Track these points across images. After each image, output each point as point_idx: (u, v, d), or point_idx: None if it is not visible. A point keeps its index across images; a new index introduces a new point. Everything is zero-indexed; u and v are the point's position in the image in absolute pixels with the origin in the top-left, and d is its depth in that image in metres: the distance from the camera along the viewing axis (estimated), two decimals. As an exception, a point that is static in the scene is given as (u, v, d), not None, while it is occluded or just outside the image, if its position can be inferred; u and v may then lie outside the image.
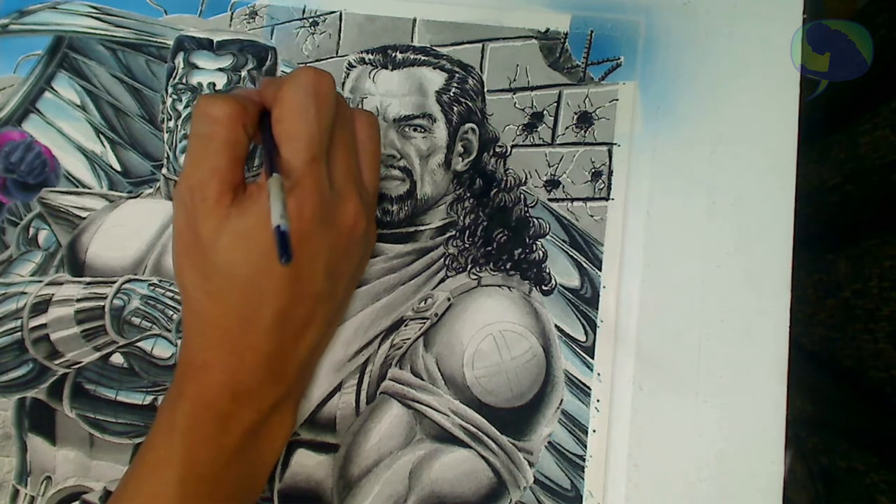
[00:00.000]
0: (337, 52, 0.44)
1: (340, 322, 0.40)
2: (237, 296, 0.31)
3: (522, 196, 0.41)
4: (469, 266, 0.40)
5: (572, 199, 0.41)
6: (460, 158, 0.42)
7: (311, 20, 0.44)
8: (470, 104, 0.42)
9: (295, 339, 0.33)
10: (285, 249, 0.28)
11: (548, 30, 0.43)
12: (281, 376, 0.34)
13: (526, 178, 0.41)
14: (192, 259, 0.32)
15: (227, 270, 0.31)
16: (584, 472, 0.38)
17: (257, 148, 0.42)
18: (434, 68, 0.43)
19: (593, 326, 0.39)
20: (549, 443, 0.38)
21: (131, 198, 0.43)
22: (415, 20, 0.44)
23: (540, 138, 0.42)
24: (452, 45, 0.43)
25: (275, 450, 0.35)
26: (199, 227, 0.31)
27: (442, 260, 0.41)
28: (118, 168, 0.43)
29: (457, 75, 0.42)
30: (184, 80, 0.43)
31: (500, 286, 0.40)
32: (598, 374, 0.39)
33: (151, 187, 0.43)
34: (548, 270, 0.40)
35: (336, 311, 0.37)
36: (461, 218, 0.41)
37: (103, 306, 0.41)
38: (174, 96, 0.43)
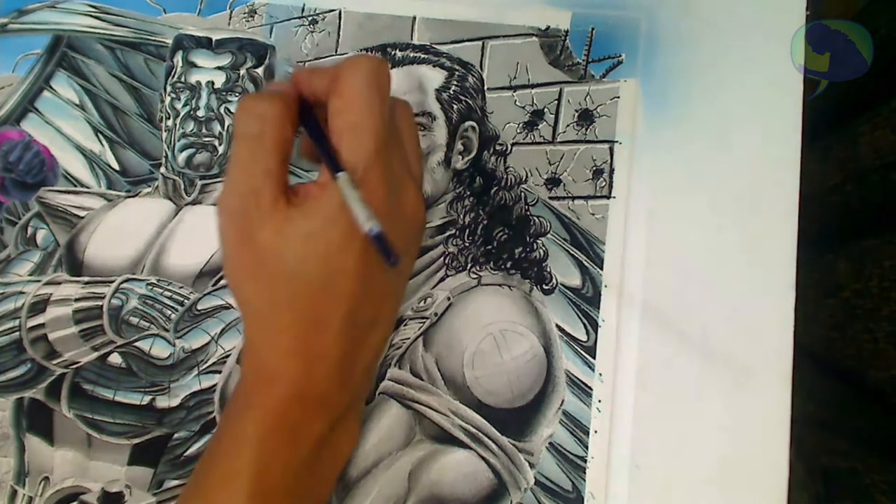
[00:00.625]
0: (336, 51, 0.44)
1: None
2: (307, 300, 0.30)
3: (523, 194, 0.41)
4: (469, 265, 0.40)
5: (573, 198, 0.41)
6: (460, 157, 0.42)
7: (310, 18, 0.44)
8: (470, 102, 0.42)
9: (362, 341, 0.33)
10: (387, 251, 0.27)
11: (548, 27, 0.43)
12: (349, 381, 0.33)
13: (526, 177, 0.41)
14: (253, 270, 0.31)
15: (296, 275, 0.30)
16: (585, 473, 0.38)
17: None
18: (434, 66, 0.42)
19: (595, 326, 0.39)
20: (550, 443, 0.38)
21: (130, 197, 0.43)
22: (414, 18, 0.44)
23: (541, 136, 0.42)
24: (452, 42, 0.43)
25: (342, 458, 0.35)
26: (257, 236, 0.30)
27: (442, 259, 0.40)
28: (117, 167, 0.43)
29: (457, 73, 0.42)
30: (182, 79, 0.43)
31: (500, 285, 0.40)
32: (600, 375, 0.39)
33: (150, 186, 0.43)
34: (549, 269, 0.40)
35: (398, 307, 0.36)
36: (461, 216, 0.41)
37: (101, 306, 0.41)
38: (173, 95, 0.43)
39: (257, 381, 0.32)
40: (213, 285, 0.41)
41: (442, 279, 0.40)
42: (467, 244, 0.41)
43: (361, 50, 0.43)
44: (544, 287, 0.40)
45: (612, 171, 0.41)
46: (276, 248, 0.30)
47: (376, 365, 0.38)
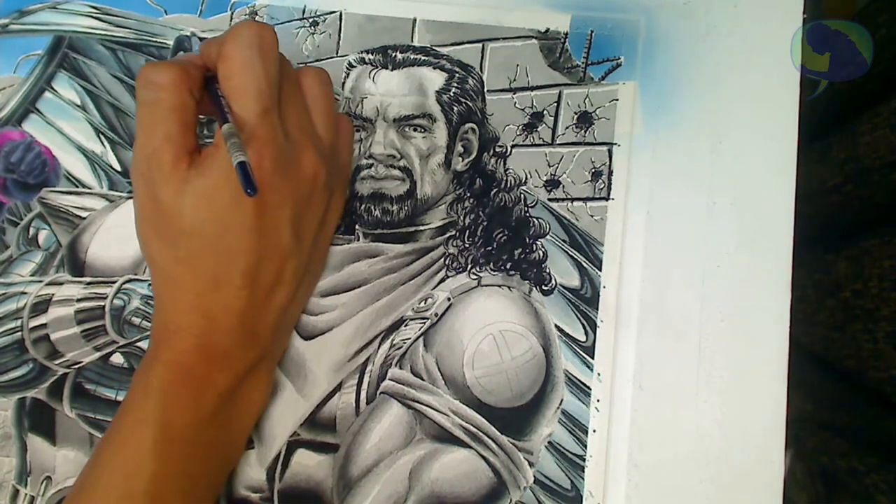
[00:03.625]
0: (337, 52, 0.44)
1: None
2: (206, 257, 0.32)
3: (522, 196, 0.41)
4: (469, 266, 0.40)
5: (572, 199, 0.41)
6: (460, 158, 0.42)
7: (311, 20, 0.44)
8: (470, 104, 0.42)
9: (265, 298, 0.34)
10: (249, 181, 0.28)
11: (548, 30, 0.43)
12: (254, 338, 0.34)
13: (526, 178, 0.41)
14: (157, 228, 0.32)
15: (193, 233, 0.31)
16: (584, 472, 0.38)
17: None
18: (434, 68, 0.43)
19: (593, 326, 0.39)
20: (550, 443, 0.38)
21: (131, 197, 0.43)
22: (415, 20, 0.44)
23: (540, 138, 0.42)
24: (452, 45, 0.43)
25: (252, 414, 0.36)
26: (159, 195, 0.31)
27: (442, 260, 0.41)
28: (118, 168, 0.43)
29: (457, 75, 0.42)
30: (184, 80, 0.43)
31: (500, 286, 0.40)
32: (598, 374, 0.39)
33: (151, 187, 0.43)
34: (548, 270, 0.40)
35: (304, 270, 0.36)
36: (461, 218, 0.41)
37: (103, 306, 0.41)
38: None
39: (163, 334, 0.33)
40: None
41: (442, 280, 0.40)
42: (467, 245, 0.41)
43: (362, 52, 0.43)
44: (543, 288, 0.40)
45: (610, 173, 0.41)
46: (176, 208, 0.31)
47: (288, 325, 0.39)
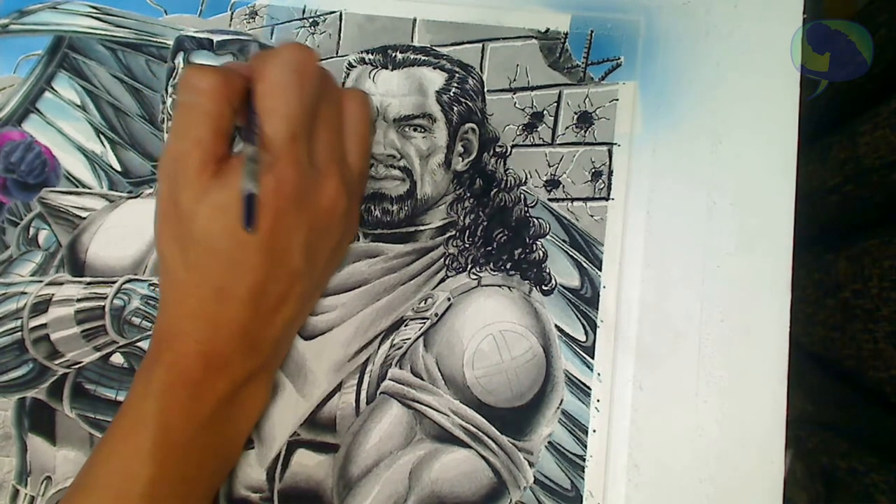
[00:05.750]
0: (337, 52, 0.44)
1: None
2: (214, 267, 0.32)
3: (522, 196, 0.41)
4: (469, 266, 0.40)
5: (572, 199, 0.41)
6: (460, 158, 0.42)
7: (311, 20, 0.44)
8: (470, 104, 0.42)
9: (270, 314, 0.34)
10: (250, 216, 0.28)
11: (548, 30, 0.43)
12: (256, 348, 0.34)
13: (526, 178, 0.41)
14: (172, 229, 0.32)
15: (204, 242, 0.31)
16: (584, 472, 0.38)
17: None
18: (434, 68, 0.43)
19: (593, 326, 0.39)
20: (550, 443, 0.38)
21: (131, 198, 0.43)
22: (415, 20, 0.44)
23: (540, 138, 0.42)
24: (452, 45, 0.43)
25: (249, 420, 0.36)
26: (179, 198, 0.31)
27: (442, 260, 0.41)
28: (118, 168, 0.43)
29: (457, 75, 0.42)
30: (184, 80, 0.43)
31: (500, 286, 0.40)
32: (598, 374, 0.39)
33: (151, 187, 0.43)
34: (548, 270, 0.40)
35: (313, 290, 0.37)
36: (461, 218, 0.41)
37: (104, 306, 0.41)
38: (174, 96, 0.43)
39: (165, 336, 0.33)
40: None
41: (442, 280, 0.40)
42: (467, 245, 0.41)
43: (362, 52, 0.43)
44: (543, 288, 0.40)
45: (610, 173, 0.41)
46: (192, 214, 0.31)
47: (290, 338, 0.39)
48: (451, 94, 0.42)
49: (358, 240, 0.41)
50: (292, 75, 0.32)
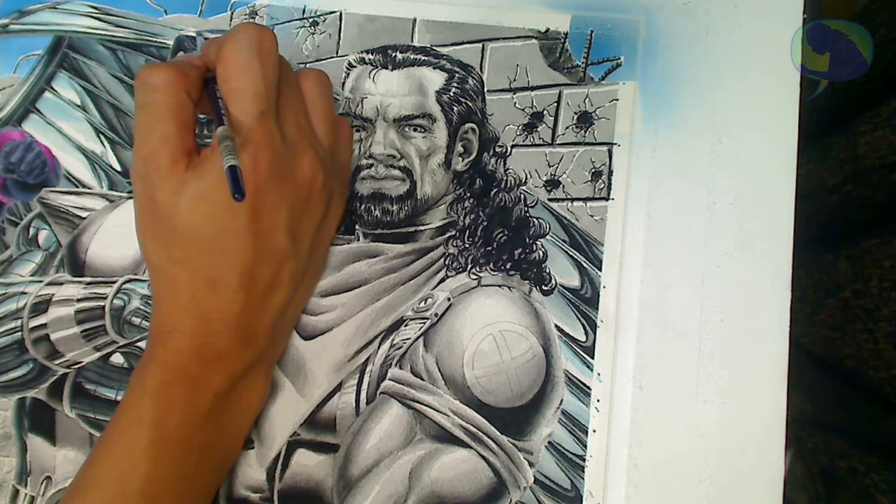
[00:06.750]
0: (337, 52, 0.44)
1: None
2: (202, 258, 0.32)
3: (522, 196, 0.41)
4: (469, 266, 0.40)
5: (572, 199, 0.41)
6: (460, 158, 0.42)
7: (311, 20, 0.44)
8: (470, 104, 0.42)
9: (262, 300, 0.34)
10: (238, 186, 0.28)
11: (548, 30, 0.43)
12: (251, 340, 0.34)
13: (526, 178, 0.41)
14: (154, 228, 0.32)
15: (189, 234, 0.31)
16: (584, 472, 0.38)
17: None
18: (434, 68, 0.43)
19: (593, 326, 0.39)
20: (550, 443, 0.38)
21: (131, 198, 0.43)
22: (415, 20, 0.44)
23: (540, 138, 0.42)
24: (452, 45, 0.43)
25: (248, 415, 0.36)
26: (156, 196, 0.31)
27: (442, 260, 0.41)
28: (118, 168, 0.44)
29: (457, 75, 0.42)
30: (184, 80, 0.43)
31: (500, 286, 0.40)
32: (598, 374, 0.39)
33: (151, 187, 0.43)
34: (548, 270, 0.40)
35: (302, 272, 0.36)
36: (461, 218, 0.41)
37: (104, 306, 0.41)
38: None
39: (159, 334, 0.33)
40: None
41: (442, 280, 0.40)
42: (467, 245, 0.41)
43: (362, 52, 0.43)
44: (543, 288, 0.40)
45: (610, 172, 0.41)
46: (172, 209, 0.31)
47: (286, 327, 0.38)
48: (451, 94, 0.42)
49: (358, 240, 0.41)
50: (252, 54, 0.32)
